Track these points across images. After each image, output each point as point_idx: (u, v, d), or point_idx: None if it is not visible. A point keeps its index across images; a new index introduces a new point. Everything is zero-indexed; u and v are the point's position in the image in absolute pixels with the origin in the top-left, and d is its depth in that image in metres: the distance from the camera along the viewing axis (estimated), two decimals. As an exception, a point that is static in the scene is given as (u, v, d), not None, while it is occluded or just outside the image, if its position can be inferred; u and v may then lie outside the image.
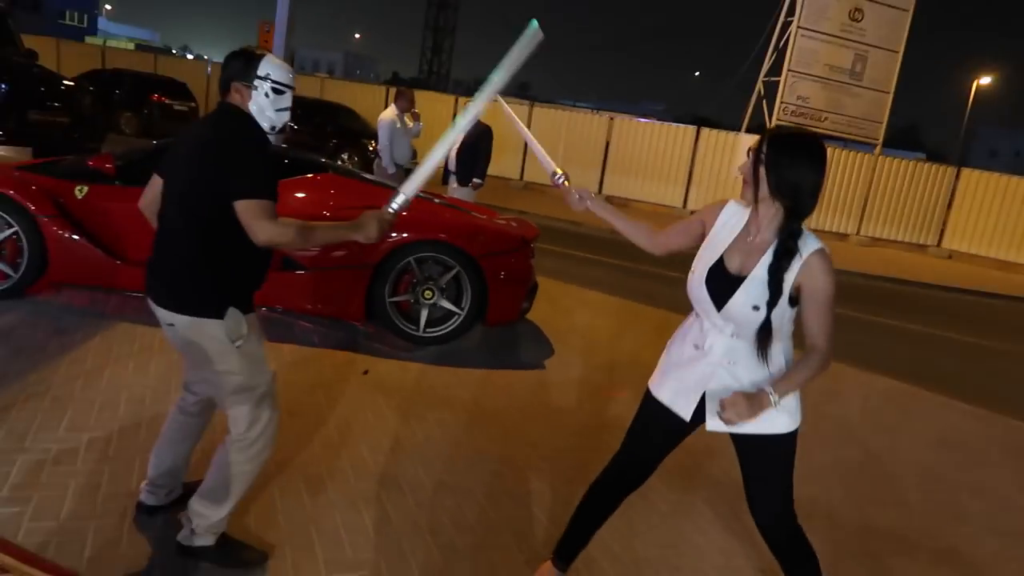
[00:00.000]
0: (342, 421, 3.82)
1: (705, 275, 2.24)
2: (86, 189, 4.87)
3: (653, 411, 2.44)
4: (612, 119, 19.63)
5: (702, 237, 2.33)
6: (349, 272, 4.99)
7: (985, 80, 35.15)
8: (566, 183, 2.69)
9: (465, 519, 3.11)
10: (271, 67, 2.43)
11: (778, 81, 18.87)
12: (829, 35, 18.61)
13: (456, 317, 5.19)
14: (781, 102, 18.74)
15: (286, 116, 2.49)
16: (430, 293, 5.11)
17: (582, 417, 4.46)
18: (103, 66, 22.82)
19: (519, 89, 73.33)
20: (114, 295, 5.10)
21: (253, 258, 2.42)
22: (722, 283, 2.19)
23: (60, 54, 24.28)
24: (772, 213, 2.16)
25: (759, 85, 19.93)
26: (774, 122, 18.92)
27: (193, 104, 19.79)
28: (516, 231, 5.47)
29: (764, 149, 2.13)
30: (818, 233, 9.93)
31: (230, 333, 2.36)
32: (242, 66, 2.42)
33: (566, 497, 3.42)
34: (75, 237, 4.78)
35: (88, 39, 41.74)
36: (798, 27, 18.35)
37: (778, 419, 2.22)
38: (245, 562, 2.59)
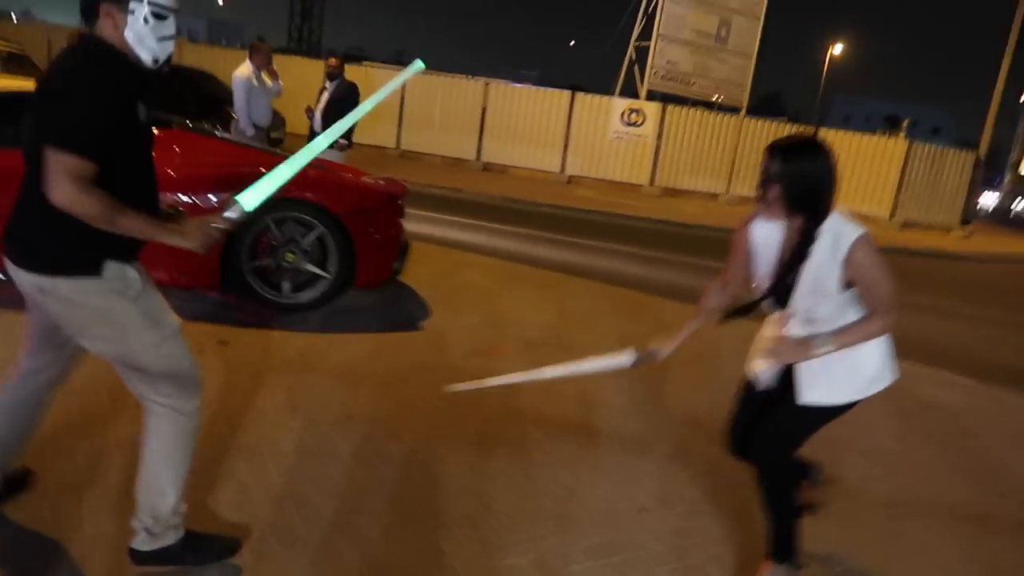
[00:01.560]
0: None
1: (766, 288, 2.42)
2: None
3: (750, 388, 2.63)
4: (487, 84, 19.41)
5: (748, 255, 2.49)
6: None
7: (838, 49, 37.32)
8: (647, 353, 2.62)
9: (332, 484, 2.89)
10: None
11: (648, 46, 19.22)
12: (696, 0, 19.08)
13: (323, 281, 4.89)
14: (652, 66, 19.12)
15: (170, 47, 2.14)
16: (292, 256, 4.78)
17: (459, 375, 4.30)
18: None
19: (394, 56, 71.68)
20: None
21: (132, 198, 2.04)
22: (781, 287, 2.37)
23: None
24: (799, 220, 2.30)
25: (630, 50, 20.26)
26: (645, 86, 19.29)
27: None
28: (382, 188, 5.20)
29: (773, 162, 2.27)
30: (689, 194, 10.23)
31: (115, 285, 2.10)
32: None
33: (440, 455, 3.26)
34: None
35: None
36: (666, -8, 18.70)
37: (821, 390, 2.38)
38: (216, 555, 2.35)
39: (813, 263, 2.27)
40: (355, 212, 4.83)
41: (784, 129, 19.23)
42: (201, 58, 20.04)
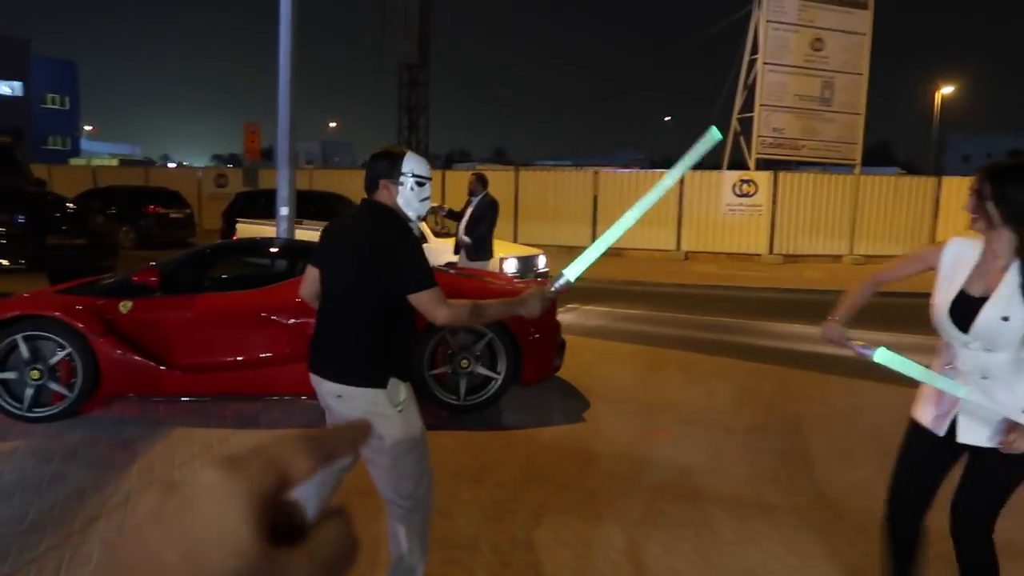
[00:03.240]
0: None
1: (948, 306, 2.42)
2: (130, 304, 5.09)
3: (918, 437, 2.58)
4: (596, 173, 20.13)
5: (922, 272, 2.57)
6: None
7: (947, 89, 36.19)
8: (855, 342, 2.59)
9: (546, 569, 3.24)
10: (413, 163, 2.70)
11: (751, 117, 19.48)
12: (794, 67, 19.30)
13: (493, 382, 5.37)
14: (758, 136, 19.31)
15: (428, 204, 2.76)
16: (466, 362, 5.30)
17: (630, 463, 4.60)
18: (95, 185, 23.35)
19: (495, 155, 74.68)
20: (162, 403, 5.27)
21: (407, 335, 2.70)
22: (967, 307, 2.37)
23: (51, 178, 24.80)
24: (1007, 239, 2.34)
25: (734, 123, 20.55)
26: (754, 155, 19.45)
27: (188, 210, 20.25)
28: (538, 292, 5.69)
29: (986, 186, 2.34)
30: (811, 259, 10.21)
31: (393, 398, 2.61)
32: (388, 165, 2.68)
33: (636, 539, 3.55)
34: (125, 352, 4.99)
35: (72, 160, 42.62)
36: (763, 63, 19.06)
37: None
38: None
39: (1008, 284, 2.30)
40: (520, 317, 5.32)
41: (903, 182, 18.83)
42: (329, 181, 21.86)
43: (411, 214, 2.70)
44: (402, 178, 2.67)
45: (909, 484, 2.62)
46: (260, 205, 16.19)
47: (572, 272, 2.57)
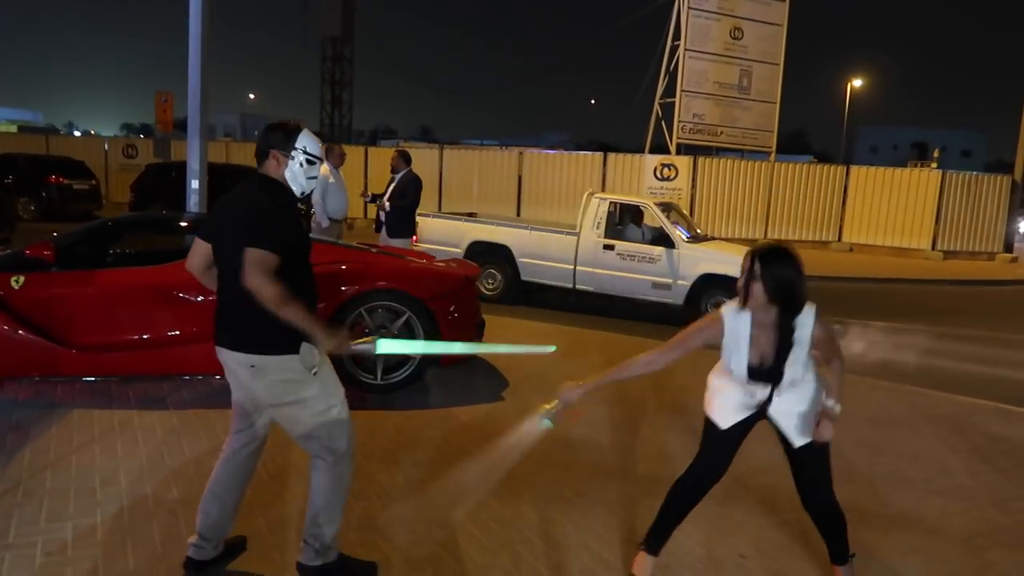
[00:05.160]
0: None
1: (746, 373, 2.84)
2: (23, 279, 4.79)
3: (726, 436, 2.96)
4: (521, 154, 20.13)
5: (705, 343, 2.90)
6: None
7: (857, 82, 37.69)
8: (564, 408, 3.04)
9: (460, 549, 3.23)
10: (307, 140, 2.73)
11: (673, 102, 19.83)
12: (715, 54, 19.73)
13: (411, 361, 5.31)
14: (679, 121, 19.69)
15: (313, 183, 2.81)
16: (384, 341, 5.21)
17: (547, 442, 4.63)
18: (-10, 152, 21.92)
19: (421, 133, 73.90)
20: (61, 383, 5.00)
21: (307, 296, 2.68)
22: (759, 375, 2.82)
23: (-59, 144, 23.19)
24: (772, 314, 2.74)
25: (656, 108, 20.88)
26: (675, 140, 19.83)
27: (94, 182, 19.25)
28: (458, 271, 5.65)
29: (755, 266, 2.70)
30: (726, 241, 10.44)
31: (306, 363, 2.63)
32: (283, 137, 2.71)
33: (548, 516, 3.58)
34: (15, 329, 4.69)
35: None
36: (685, 50, 19.39)
37: (830, 427, 2.88)
38: (361, 573, 2.94)
39: (793, 353, 2.78)
40: (437, 296, 5.27)
41: (815, 170, 19.54)
42: (248, 155, 21.13)
43: (296, 188, 2.75)
44: (294, 152, 2.71)
45: (725, 464, 3.02)
46: (171, 178, 15.50)
47: (385, 347, 2.78)
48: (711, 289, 8.59)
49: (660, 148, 20.61)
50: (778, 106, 20.76)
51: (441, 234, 9.93)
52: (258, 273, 2.51)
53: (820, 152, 60.65)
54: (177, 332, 4.99)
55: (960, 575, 3.28)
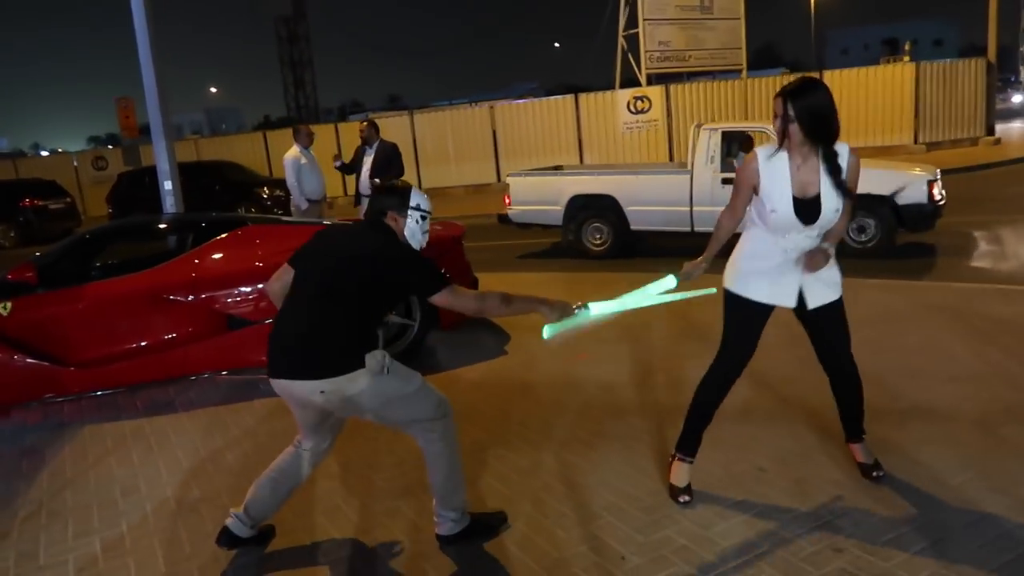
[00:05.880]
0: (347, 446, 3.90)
1: (792, 209, 2.85)
2: (9, 305, 4.75)
3: (751, 311, 3.01)
4: (492, 108, 19.88)
5: (755, 188, 2.93)
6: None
7: (820, -14, 37.08)
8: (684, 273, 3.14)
9: (484, 504, 3.26)
10: (419, 199, 2.88)
11: (637, 34, 19.51)
12: (672, -23, 19.35)
13: (411, 329, 5.30)
14: (646, 51, 19.40)
15: (427, 238, 2.94)
16: (381, 313, 5.20)
17: (555, 389, 4.66)
18: (-42, 185, 21.59)
19: (390, 102, 72.89)
20: (67, 402, 4.99)
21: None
22: (804, 208, 2.85)
23: (-91, 184, 22.83)
24: (808, 146, 2.81)
25: (620, 41, 20.56)
26: (644, 71, 19.57)
27: (68, 199, 19.03)
28: (444, 233, 5.61)
29: (788, 107, 2.73)
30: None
31: (374, 368, 2.70)
32: (399, 201, 2.85)
33: (564, 458, 3.61)
34: (11, 356, 4.67)
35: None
36: (642, -24, 19.01)
37: (839, 286, 3.02)
38: (495, 525, 3.05)
39: (827, 184, 2.82)
40: (426, 261, 5.24)
41: (787, 78, 19.34)
42: (217, 149, 20.86)
43: (414, 244, 2.87)
44: (410, 211, 2.84)
45: (749, 351, 3.10)
46: (145, 184, 15.30)
47: (596, 308, 2.98)
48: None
49: (631, 82, 20.33)
50: (743, 22, 20.42)
51: (537, 193, 9.47)
52: (466, 298, 2.82)
53: (792, 62, 59.92)
54: (173, 334, 4.97)
55: (976, 455, 3.31)
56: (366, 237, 2.82)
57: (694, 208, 8.51)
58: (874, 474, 3.16)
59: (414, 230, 2.86)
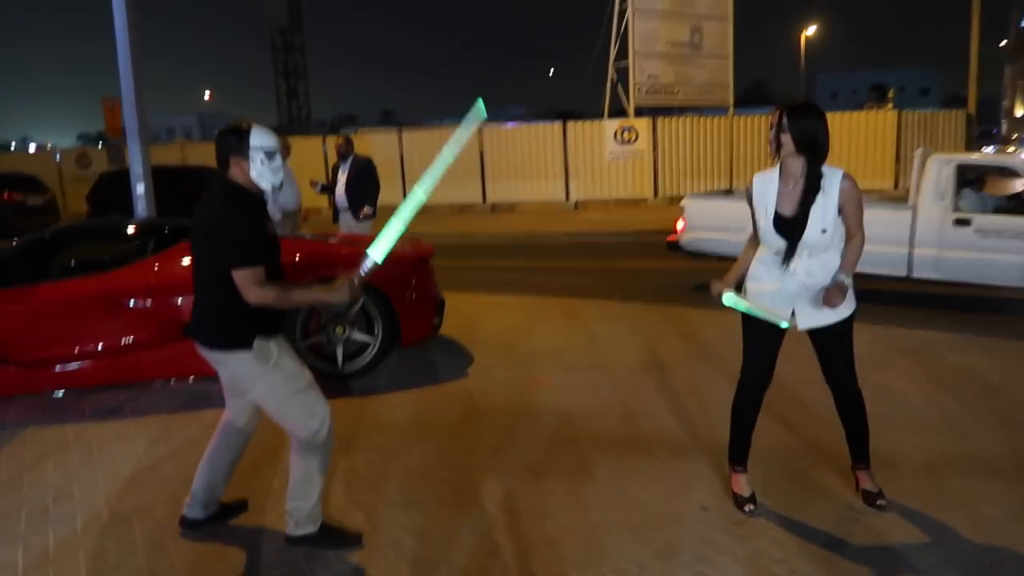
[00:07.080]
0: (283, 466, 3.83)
1: (771, 224, 3.04)
2: (-44, 301, 4.66)
3: (755, 329, 3.15)
4: (481, 130, 19.94)
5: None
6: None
7: (811, 30, 37.73)
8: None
9: (420, 527, 3.21)
10: (258, 137, 2.80)
11: (627, 65, 19.70)
12: (664, 11, 19.59)
13: (371, 347, 5.24)
14: (635, 83, 19.58)
15: (281, 174, 2.89)
16: (341, 329, 5.15)
17: (511, 414, 4.61)
18: (-62, 175, 21.31)
19: (383, 117, 73.03)
20: (12, 403, 4.89)
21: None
22: (786, 225, 3.01)
23: None
24: (800, 165, 2.99)
25: (611, 72, 20.74)
26: (632, 103, 19.73)
27: (48, 195, 18.81)
28: (411, 252, 5.57)
29: (783, 119, 2.94)
30: (699, 198, 9.64)
31: (263, 355, 2.79)
32: (236, 141, 2.78)
33: (511, 487, 3.57)
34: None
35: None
36: (634, 10, 19.23)
37: (847, 306, 3.09)
38: (345, 543, 3.04)
39: (820, 197, 2.95)
40: (391, 278, 5.19)
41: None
42: (204, 154, 20.76)
43: (265, 186, 2.82)
44: (251, 153, 2.77)
45: (764, 366, 3.22)
46: (125, 185, 15.13)
47: (377, 253, 2.78)
48: None
49: (620, 113, 20.48)
50: (731, 60, 20.67)
51: (718, 218, 8.15)
52: (254, 289, 2.70)
53: (781, 102, 60.63)
54: (129, 338, 4.88)
55: (918, 504, 3.30)
56: (204, 210, 2.83)
57: (915, 250, 7.04)
58: (877, 503, 3.20)
59: (261, 171, 2.80)
